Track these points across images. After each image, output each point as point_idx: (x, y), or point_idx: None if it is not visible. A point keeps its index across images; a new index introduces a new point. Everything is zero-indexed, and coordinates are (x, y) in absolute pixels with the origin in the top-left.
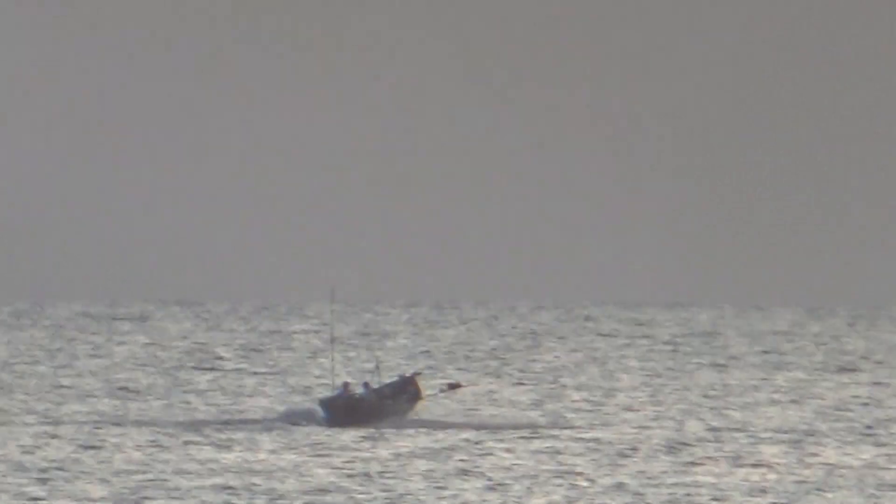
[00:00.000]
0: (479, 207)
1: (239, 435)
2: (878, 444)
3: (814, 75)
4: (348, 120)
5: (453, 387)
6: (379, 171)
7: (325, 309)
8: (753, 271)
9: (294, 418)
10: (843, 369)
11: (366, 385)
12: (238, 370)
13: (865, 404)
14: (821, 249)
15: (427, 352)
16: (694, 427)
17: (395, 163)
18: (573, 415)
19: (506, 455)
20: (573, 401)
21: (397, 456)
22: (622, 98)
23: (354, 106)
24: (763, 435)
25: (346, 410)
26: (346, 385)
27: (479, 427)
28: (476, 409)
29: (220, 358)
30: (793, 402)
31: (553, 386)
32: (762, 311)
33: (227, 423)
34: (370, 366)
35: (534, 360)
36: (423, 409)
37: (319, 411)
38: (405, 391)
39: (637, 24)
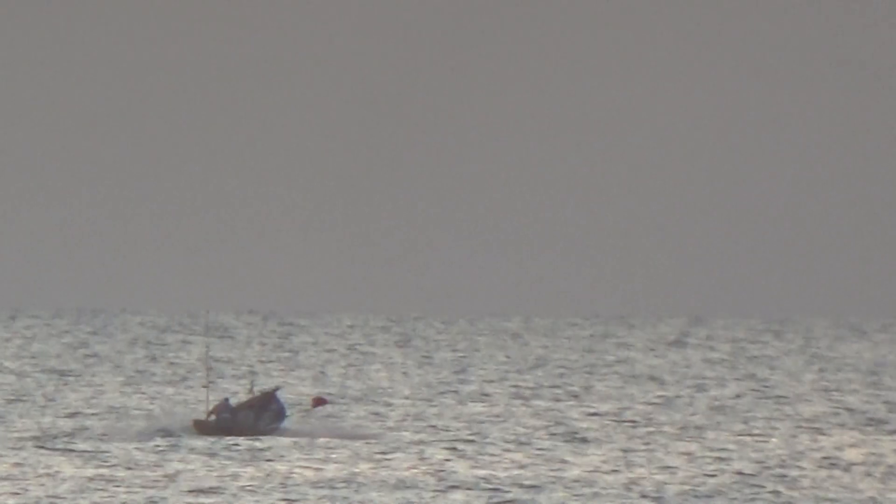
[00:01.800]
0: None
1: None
2: None
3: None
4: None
5: (319, 402)
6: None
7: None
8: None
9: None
10: None
11: (227, 401)
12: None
13: None
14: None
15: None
16: None
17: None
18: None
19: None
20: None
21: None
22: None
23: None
24: None
25: (217, 433)
26: (225, 400)
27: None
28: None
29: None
30: None
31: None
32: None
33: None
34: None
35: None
36: (291, 424)
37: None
38: (268, 408)
39: (647, 31)
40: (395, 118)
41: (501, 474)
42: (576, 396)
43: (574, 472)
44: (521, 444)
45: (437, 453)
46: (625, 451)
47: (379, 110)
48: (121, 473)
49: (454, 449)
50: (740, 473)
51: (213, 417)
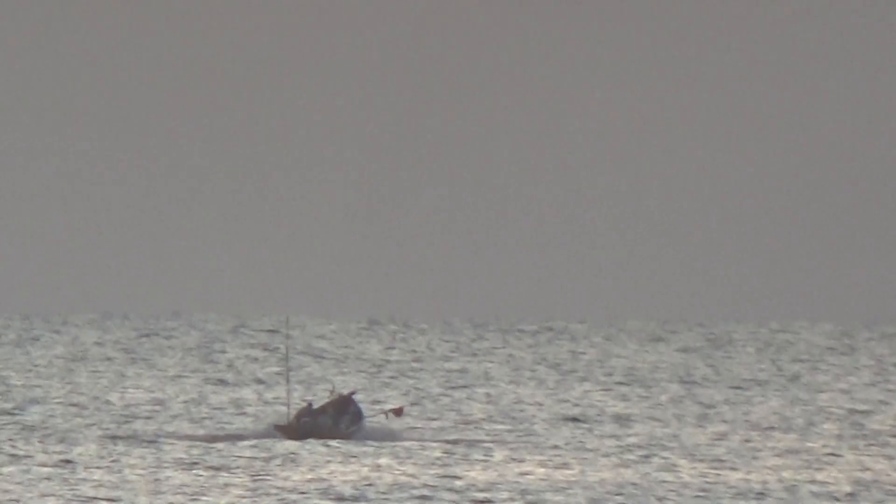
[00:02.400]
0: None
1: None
2: None
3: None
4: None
5: (396, 412)
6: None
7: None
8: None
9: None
10: None
11: (310, 406)
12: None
13: None
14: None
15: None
16: None
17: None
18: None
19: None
20: None
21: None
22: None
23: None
24: None
25: (299, 436)
26: (309, 405)
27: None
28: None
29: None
30: None
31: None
32: None
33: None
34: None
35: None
36: (368, 428)
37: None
38: (346, 412)
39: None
40: (414, 127)
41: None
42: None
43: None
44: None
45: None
46: None
47: (395, 118)
48: (240, 478)
49: (550, 461)
50: None
51: (294, 421)
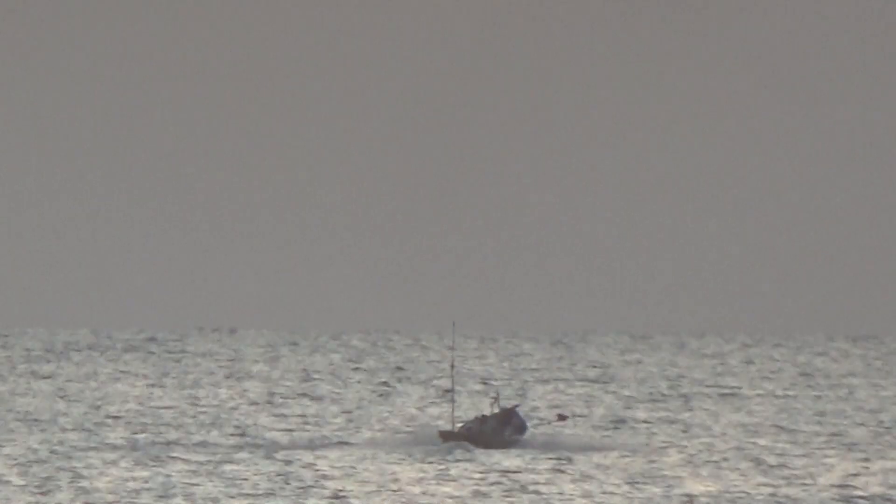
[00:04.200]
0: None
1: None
2: None
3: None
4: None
5: (562, 418)
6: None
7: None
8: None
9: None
10: None
11: (477, 418)
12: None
13: None
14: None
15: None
16: None
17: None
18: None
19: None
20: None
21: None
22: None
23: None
24: None
25: (466, 442)
26: (482, 415)
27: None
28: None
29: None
30: None
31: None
32: None
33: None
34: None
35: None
36: (531, 438)
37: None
38: (510, 422)
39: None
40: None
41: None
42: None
43: None
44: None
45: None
46: None
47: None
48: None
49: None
50: None
51: (459, 428)
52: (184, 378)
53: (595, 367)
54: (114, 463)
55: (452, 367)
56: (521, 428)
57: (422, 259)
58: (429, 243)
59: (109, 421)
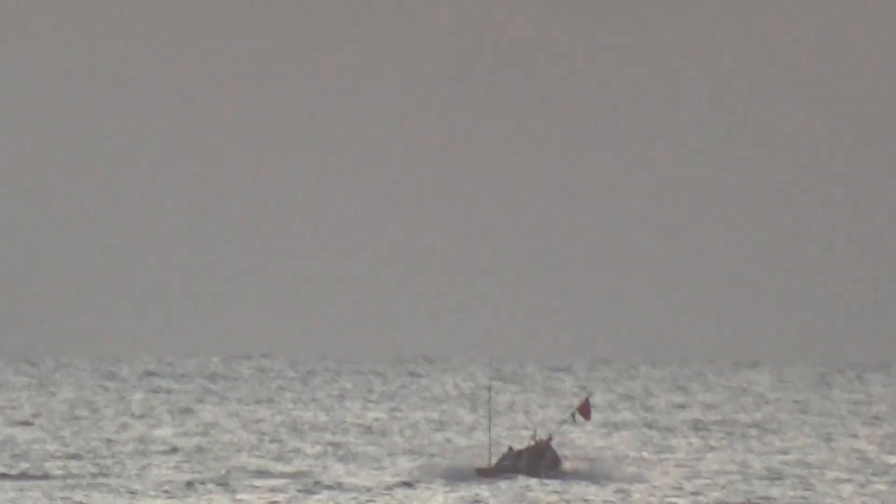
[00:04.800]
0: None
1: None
2: None
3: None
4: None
5: (584, 411)
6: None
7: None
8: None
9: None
10: None
11: (509, 450)
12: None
13: None
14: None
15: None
16: None
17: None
18: None
19: None
20: None
21: None
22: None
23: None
24: None
25: (500, 478)
26: (510, 449)
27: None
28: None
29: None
30: None
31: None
32: None
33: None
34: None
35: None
36: (565, 471)
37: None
38: (543, 456)
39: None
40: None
41: None
42: None
43: None
44: None
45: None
46: None
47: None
48: None
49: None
50: None
51: (495, 464)
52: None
53: (630, 398)
54: None
55: (489, 400)
56: (556, 461)
57: (458, 290)
58: (465, 273)
59: None
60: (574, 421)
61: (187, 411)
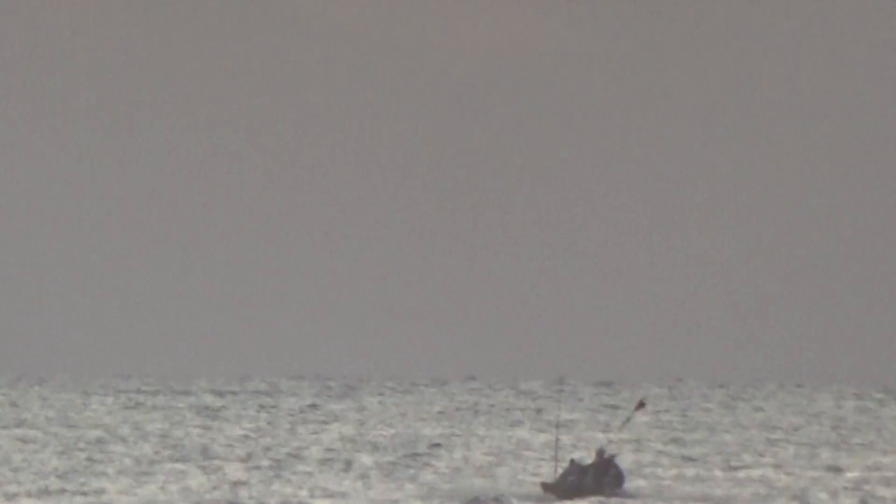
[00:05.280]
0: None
1: None
2: None
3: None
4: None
5: (641, 405)
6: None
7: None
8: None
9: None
10: None
11: (572, 463)
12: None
13: None
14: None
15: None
16: None
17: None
18: None
19: None
20: None
21: None
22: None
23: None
24: None
25: (564, 495)
26: (572, 462)
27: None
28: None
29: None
30: None
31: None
32: None
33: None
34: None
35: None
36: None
37: (508, 499)
38: (607, 473)
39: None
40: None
41: None
42: None
43: None
44: None
45: None
46: None
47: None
48: None
49: None
50: None
51: (560, 480)
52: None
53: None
54: None
55: (558, 416)
56: (620, 479)
57: (531, 309)
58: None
59: None
60: (630, 421)
61: None
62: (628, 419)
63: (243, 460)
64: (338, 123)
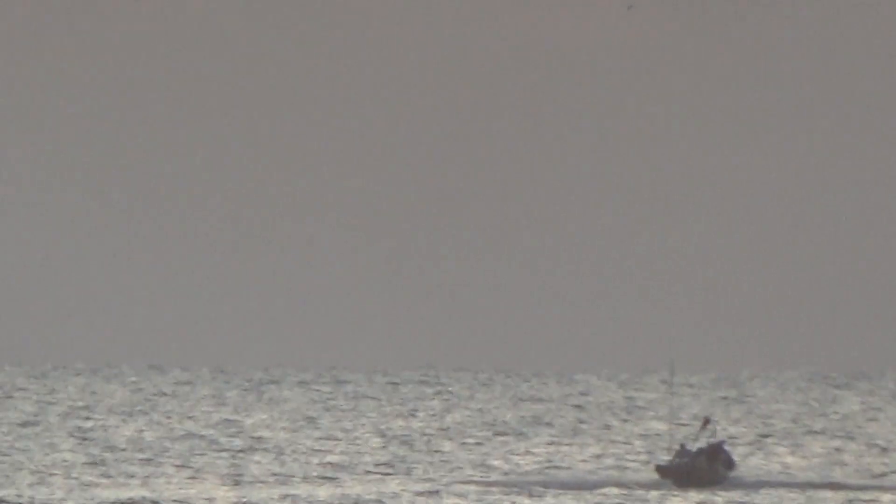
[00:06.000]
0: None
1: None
2: None
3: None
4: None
5: (706, 422)
6: None
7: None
8: None
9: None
10: None
11: (682, 447)
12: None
13: None
14: None
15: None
16: None
17: None
18: None
19: None
20: None
21: None
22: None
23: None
24: None
25: (681, 477)
26: (682, 447)
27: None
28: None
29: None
30: None
31: None
32: None
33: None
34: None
35: None
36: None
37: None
38: (718, 458)
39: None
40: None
41: None
42: None
43: None
44: None
45: None
46: None
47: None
48: None
49: None
50: None
51: (674, 462)
52: None
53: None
54: None
55: (671, 401)
56: (730, 463)
57: (637, 297)
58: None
59: None
60: (706, 428)
61: None
62: (697, 438)
63: None
64: (338, 123)
